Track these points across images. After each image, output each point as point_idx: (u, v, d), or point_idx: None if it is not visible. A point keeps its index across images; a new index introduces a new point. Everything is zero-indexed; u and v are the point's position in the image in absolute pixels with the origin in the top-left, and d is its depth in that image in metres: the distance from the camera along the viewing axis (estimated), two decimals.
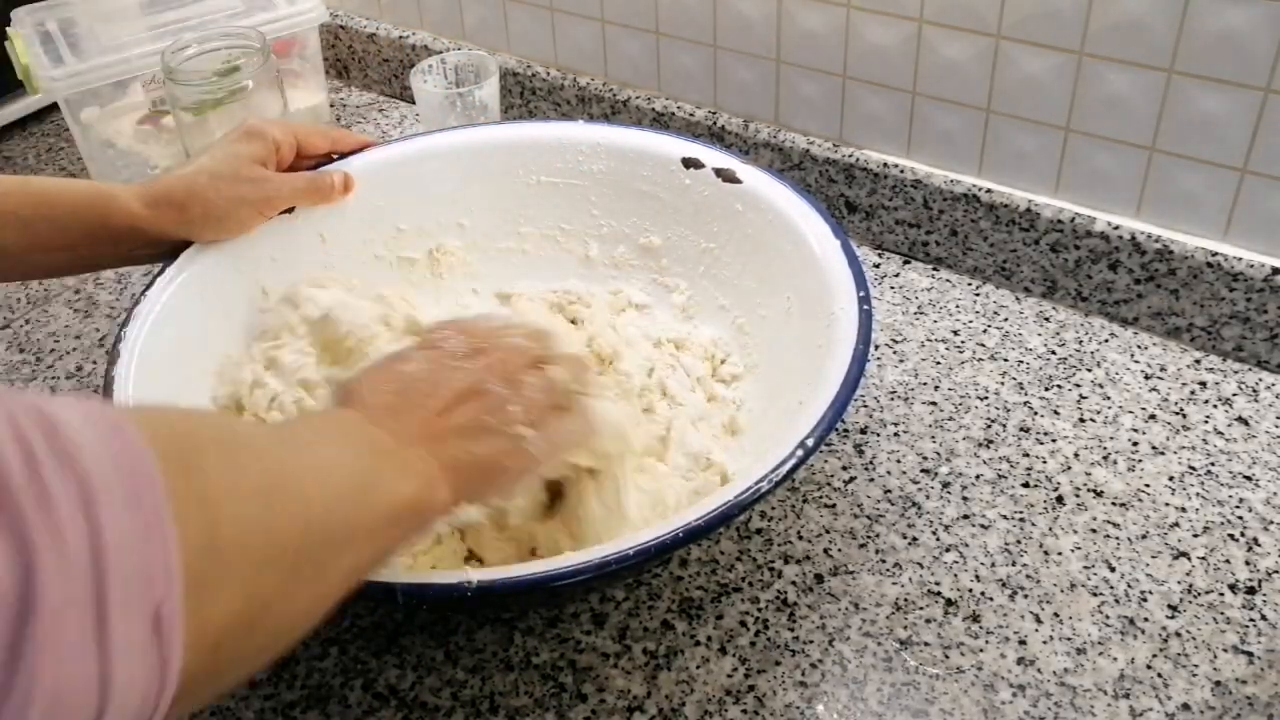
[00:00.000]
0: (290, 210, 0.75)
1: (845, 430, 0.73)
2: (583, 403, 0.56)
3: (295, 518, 0.39)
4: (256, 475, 0.38)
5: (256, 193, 0.72)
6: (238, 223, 0.72)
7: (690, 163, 0.78)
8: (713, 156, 0.77)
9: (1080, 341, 0.79)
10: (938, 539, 0.66)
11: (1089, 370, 0.77)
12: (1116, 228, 0.78)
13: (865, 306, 0.63)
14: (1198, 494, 0.67)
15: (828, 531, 0.67)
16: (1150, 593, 0.62)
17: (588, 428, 0.56)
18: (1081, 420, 0.73)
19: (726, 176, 0.76)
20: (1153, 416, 0.73)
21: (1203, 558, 0.64)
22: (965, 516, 0.67)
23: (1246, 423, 0.72)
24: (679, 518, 0.53)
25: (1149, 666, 0.58)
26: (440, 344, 0.55)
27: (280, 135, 0.73)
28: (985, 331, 0.81)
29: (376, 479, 0.45)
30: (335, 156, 0.79)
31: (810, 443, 0.55)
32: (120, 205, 0.68)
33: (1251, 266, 0.74)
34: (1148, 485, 0.68)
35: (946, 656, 0.59)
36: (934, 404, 0.75)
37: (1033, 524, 0.66)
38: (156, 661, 0.31)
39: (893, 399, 0.75)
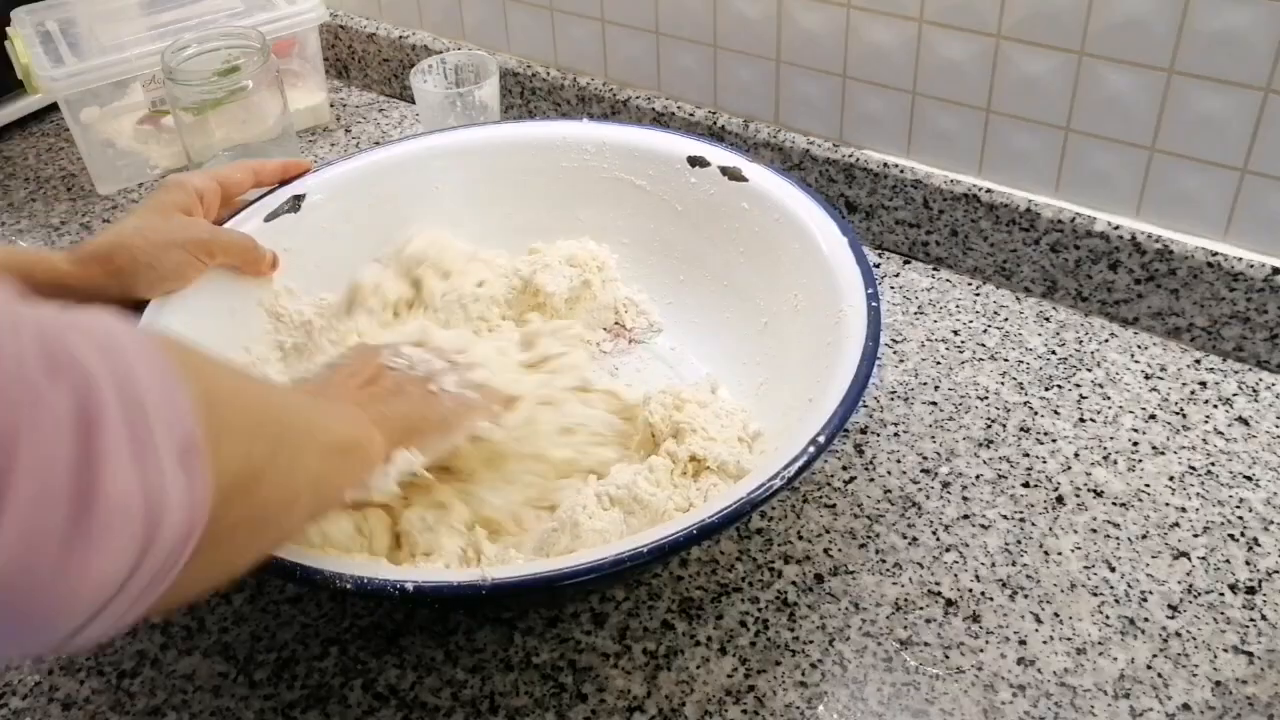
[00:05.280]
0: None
1: (846, 430, 0.73)
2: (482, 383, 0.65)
3: (267, 402, 0.48)
4: (228, 374, 0.49)
5: (184, 233, 0.69)
6: (174, 268, 0.69)
7: (696, 161, 0.78)
8: (718, 155, 0.77)
9: (1080, 341, 0.79)
10: (938, 539, 0.66)
11: (1089, 370, 0.77)
12: (1116, 228, 0.78)
13: (874, 303, 0.63)
14: (1198, 494, 0.67)
15: (828, 531, 0.67)
16: (1150, 593, 0.62)
17: (489, 398, 0.64)
18: (1081, 420, 0.73)
19: (732, 175, 0.76)
20: (1153, 416, 0.73)
21: (1203, 558, 0.64)
22: (965, 516, 0.67)
23: (1247, 423, 0.72)
24: (693, 514, 0.53)
25: (1149, 666, 0.58)
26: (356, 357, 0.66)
27: (201, 183, 0.72)
28: (985, 331, 0.81)
29: (318, 410, 0.54)
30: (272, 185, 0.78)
31: (823, 439, 0.55)
32: (44, 262, 0.66)
33: (1251, 266, 0.74)
34: (1148, 485, 0.68)
35: (946, 656, 0.59)
36: (934, 404, 0.75)
37: (1033, 524, 0.66)
38: (186, 487, 0.36)
39: (893, 399, 0.75)
